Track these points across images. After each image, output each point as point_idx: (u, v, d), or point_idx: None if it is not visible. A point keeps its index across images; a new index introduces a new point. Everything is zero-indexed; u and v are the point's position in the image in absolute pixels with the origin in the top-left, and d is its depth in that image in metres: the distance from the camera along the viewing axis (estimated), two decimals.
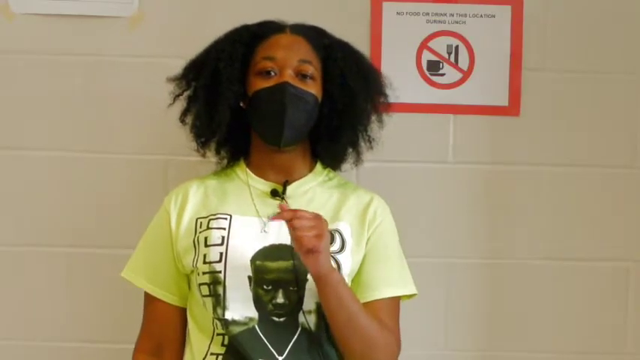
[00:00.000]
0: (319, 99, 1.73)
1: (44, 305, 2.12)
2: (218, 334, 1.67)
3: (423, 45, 2.13)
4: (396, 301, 1.75)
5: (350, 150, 1.81)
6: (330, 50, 1.76)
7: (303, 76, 1.71)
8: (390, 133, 2.12)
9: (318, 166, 1.81)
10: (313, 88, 1.72)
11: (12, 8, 2.08)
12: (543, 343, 2.17)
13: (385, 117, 1.84)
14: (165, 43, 2.07)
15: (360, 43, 1.98)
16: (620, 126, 2.16)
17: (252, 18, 1.84)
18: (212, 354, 1.67)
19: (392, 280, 1.74)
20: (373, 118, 1.81)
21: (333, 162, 1.83)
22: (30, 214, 2.11)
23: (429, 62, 2.13)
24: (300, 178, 1.76)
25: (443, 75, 2.13)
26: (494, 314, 2.17)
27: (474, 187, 2.16)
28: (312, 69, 1.72)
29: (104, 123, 2.11)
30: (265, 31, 1.77)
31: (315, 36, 1.77)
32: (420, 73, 2.13)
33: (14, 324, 2.13)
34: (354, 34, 1.93)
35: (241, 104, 1.74)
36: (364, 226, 1.74)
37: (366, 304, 1.69)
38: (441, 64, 2.13)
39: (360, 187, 1.83)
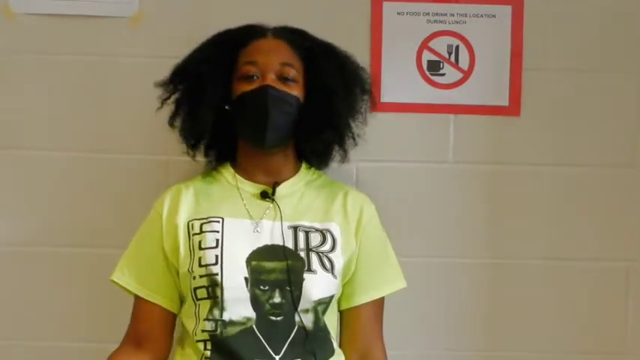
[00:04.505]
0: (301, 100, 1.76)
1: (44, 305, 2.12)
2: (198, 341, 1.69)
3: (424, 45, 2.13)
4: (381, 301, 1.83)
5: (336, 148, 1.85)
6: (311, 52, 1.80)
7: (285, 79, 1.75)
8: (390, 133, 2.13)
9: (304, 167, 1.84)
10: (295, 90, 1.75)
11: (13, 8, 2.08)
12: (543, 343, 2.17)
13: (368, 115, 1.88)
14: (165, 43, 2.07)
15: (361, 42, 1.99)
16: (620, 126, 2.16)
17: (251, 19, 1.86)
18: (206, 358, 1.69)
19: (376, 283, 1.81)
20: (357, 116, 1.84)
21: (317, 160, 1.87)
22: (30, 214, 2.11)
23: (430, 62, 2.13)
24: (287, 179, 1.80)
25: (443, 75, 2.13)
26: (494, 314, 2.17)
27: (474, 187, 2.16)
28: (294, 71, 1.76)
29: (104, 123, 2.11)
30: (247, 36, 1.80)
31: (296, 39, 1.81)
32: (421, 73, 2.13)
33: (14, 324, 2.13)
34: (354, 34, 1.94)
35: (227, 107, 1.77)
36: (352, 227, 1.77)
37: (355, 308, 1.79)
38: (441, 64, 2.13)
39: (345, 186, 1.87)
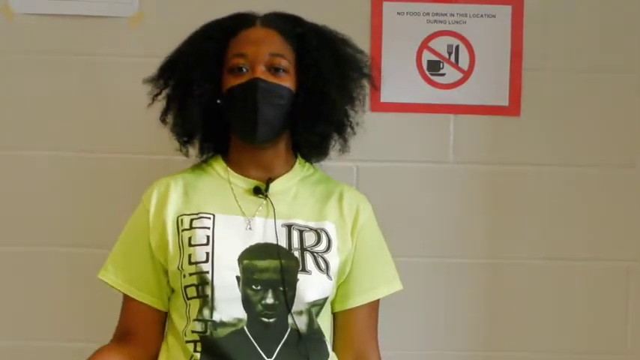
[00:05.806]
0: (294, 91, 1.68)
1: (44, 305, 2.13)
2: (187, 342, 1.63)
3: (424, 45, 2.13)
4: (376, 304, 1.77)
5: (335, 137, 1.76)
6: (303, 40, 1.71)
7: (275, 69, 1.66)
8: (389, 133, 2.13)
9: (298, 162, 1.76)
10: (287, 81, 1.67)
11: (12, 8, 2.09)
12: (543, 343, 2.17)
13: (368, 115, 1.80)
14: (165, 43, 2.05)
15: (361, 42, 1.98)
16: (620, 126, 2.16)
17: None
18: None
19: (372, 285, 1.74)
20: (356, 103, 1.75)
21: (316, 152, 1.78)
22: (30, 214, 2.11)
23: (430, 62, 2.13)
24: (282, 174, 1.72)
25: (443, 75, 2.13)
26: (494, 314, 2.17)
27: (474, 187, 2.16)
28: (285, 62, 1.67)
29: (104, 123, 2.11)
30: (235, 26, 1.73)
31: (287, 27, 1.72)
32: (421, 73, 2.13)
33: (14, 324, 2.13)
34: (354, 34, 1.92)
35: (218, 101, 1.69)
36: (348, 226, 1.72)
37: (350, 311, 1.73)
38: (441, 64, 2.13)
39: (341, 183, 1.79)
